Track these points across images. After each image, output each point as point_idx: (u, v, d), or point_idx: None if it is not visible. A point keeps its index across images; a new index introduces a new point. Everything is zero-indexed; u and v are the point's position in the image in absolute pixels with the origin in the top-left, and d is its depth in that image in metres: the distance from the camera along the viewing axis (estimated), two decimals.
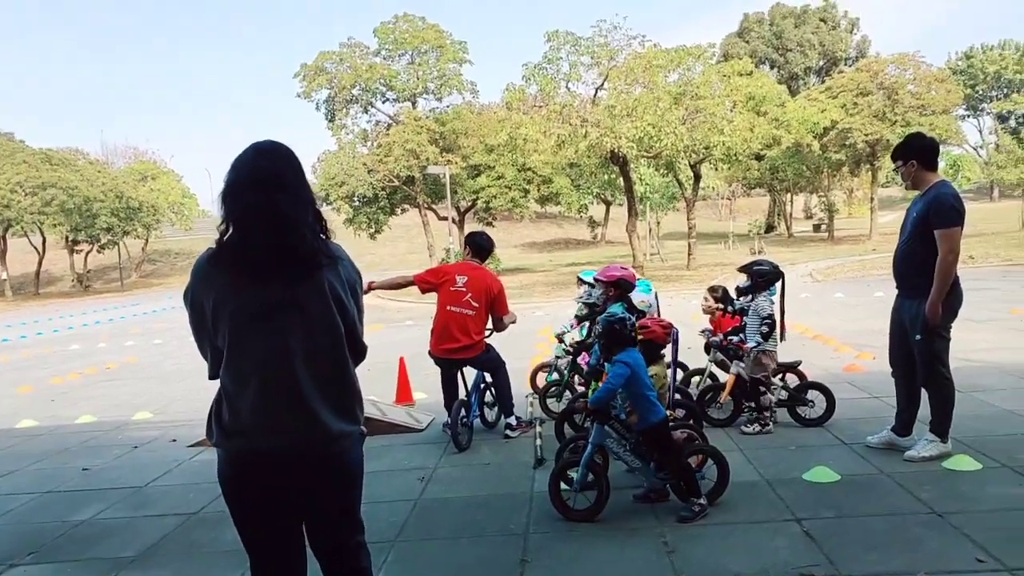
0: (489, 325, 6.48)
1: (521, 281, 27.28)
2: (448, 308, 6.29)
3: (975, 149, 72.82)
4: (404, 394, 8.11)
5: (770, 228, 52.57)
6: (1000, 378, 7.16)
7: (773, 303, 6.04)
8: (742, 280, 6.25)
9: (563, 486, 4.50)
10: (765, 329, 5.90)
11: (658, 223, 40.30)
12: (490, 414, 6.81)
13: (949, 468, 4.81)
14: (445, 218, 31.66)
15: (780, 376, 6.26)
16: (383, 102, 33.18)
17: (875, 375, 7.76)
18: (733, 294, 6.48)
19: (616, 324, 4.40)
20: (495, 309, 6.38)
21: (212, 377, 2.56)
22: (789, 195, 52.21)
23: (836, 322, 11.99)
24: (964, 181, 66.06)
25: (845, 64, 60.94)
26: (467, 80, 32.43)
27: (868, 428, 5.75)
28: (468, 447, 6.12)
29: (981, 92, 72.35)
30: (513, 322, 6.59)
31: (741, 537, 4.04)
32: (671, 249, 41.00)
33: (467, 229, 35.07)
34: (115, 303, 34.84)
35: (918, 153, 5.00)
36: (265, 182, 2.35)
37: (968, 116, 73.28)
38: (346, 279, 2.49)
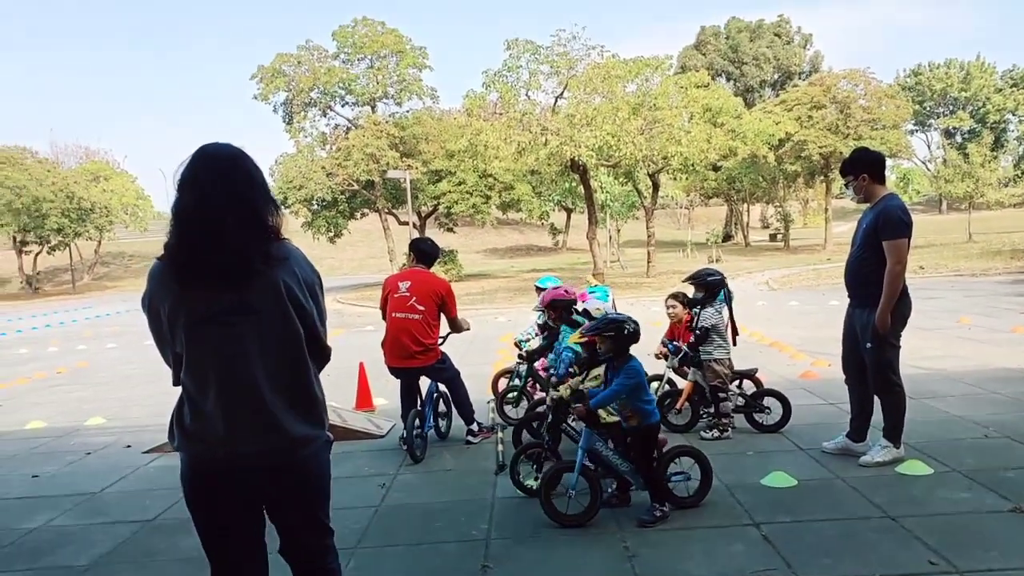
0: (444, 331, 6.43)
1: (483, 287, 27.28)
2: (394, 315, 6.17)
3: (924, 163, 75.05)
4: (364, 400, 8.05)
5: (727, 237, 53.43)
6: (951, 384, 7.37)
7: (719, 312, 6.13)
8: (690, 292, 6.34)
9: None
10: (692, 340, 6.02)
11: (618, 231, 40.67)
12: (443, 424, 6.72)
13: (902, 472, 4.94)
14: (406, 223, 31.52)
15: (737, 383, 6.36)
16: (342, 105, 32.95)
17: (831, 382, 7.92)
18: None
19: (614, 330, 4.40)
20: (445, 311, 6.25)
21: (176, 383, 2.52)
22: (746, 205, 53.13)
23: (791, 330, 12.22)
24: (913, 194, 67.95)
25: (799, 78, 62.38)
26: (427, 85, 32.39)
27: (824, 434, 5.86)
28: (423, 458, 6.01)
29: (928, 108, 74.64)
30: (467, 328, 6.53)
31: (700, 542, 4.09)
32: (631, 256, 41.40)
33: (428, 234, 34.99)
34: (66, 306, 33.96)
35: (868, 167, 5.13)
36: (204, 185, 2.33)
37: (916, 131, 75.59)
38: (303, 280, 2.45)
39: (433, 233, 37.03)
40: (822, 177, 41.80)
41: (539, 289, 7.67)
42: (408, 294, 6.16)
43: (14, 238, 43.92)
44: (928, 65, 76.13)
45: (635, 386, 4.35)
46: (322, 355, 2.58)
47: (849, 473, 5.03)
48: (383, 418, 7.50)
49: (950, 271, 21.98)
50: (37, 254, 46.80)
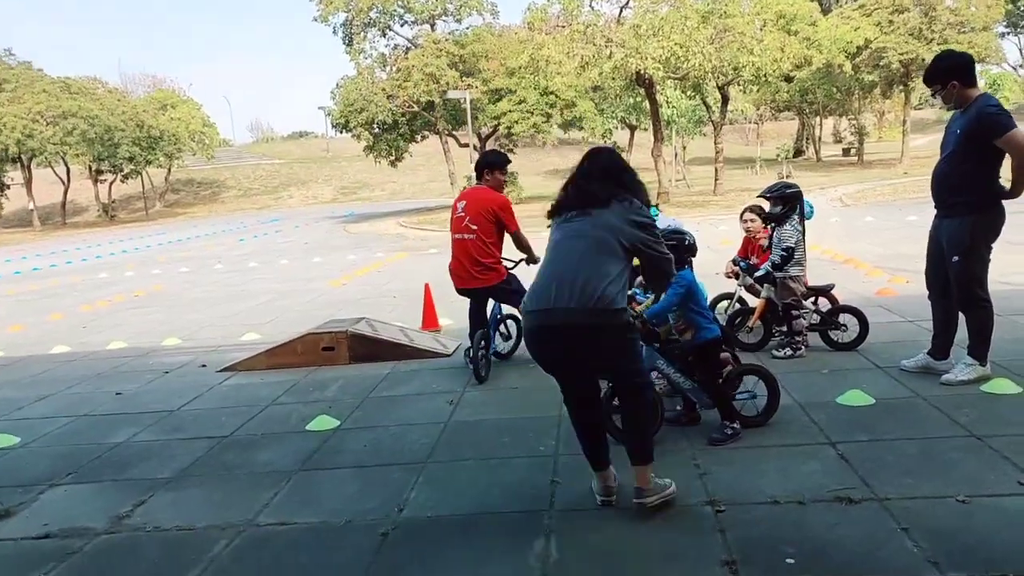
0: (521, 255, 6.33)
1: (542, 209, 26.98)
2: (454, 237, 6.14)
3: (1014, 68, 70.23)
4: (430, 320, 8.10)
5: (798, 152, 51.49)
6: None
7: (798, 228, 5.87)
8: (767, 206, 6.07)
9: None
10: (777, 260, 5.77)
11: (684, 148, 39.54)
12: (505, 346, 6.69)
13: (988, 392, 4.71)
14: (466, 145, 31.22)
15: (812, 300, 6.14)
16: (401, 25, 32.40)
17: (909, 299, 7.61)
18: None
19: (676, 240, 4.25)
20: (505, 228, 6.06)
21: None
22: (818, 118, 50.89)
23: (867, 246, 11.76)
24: (1003, 101, 63.70)
25: None
26: (487, 1, 31.44)
27: (903, 352, 5.64)
28: (487, 378, 6.00)
29: (1023, 8, 69.35)
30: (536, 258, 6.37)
31: (774, 461, 4.00)
32: (697, 175, 40.35)
33: None
34: (140, 232, 35.14)
35: (956, 73, 4.73)
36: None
37: (1008, 33, 70.42)
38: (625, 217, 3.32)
39: None
40: (901, 87, 39.54)
41: None
42: (463, 214, 6.07)
43: (89, 167, 45.32)
44: None
45: (685, 294, 4.20)
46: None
47: (931, 392, 4.82)
48: (449, 338, 7.55)
49: None
50: (111, 183, 48.28)
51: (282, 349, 7.03)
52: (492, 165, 6.17)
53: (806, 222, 5.95)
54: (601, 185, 3.37)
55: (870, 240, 12.57)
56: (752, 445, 4.22)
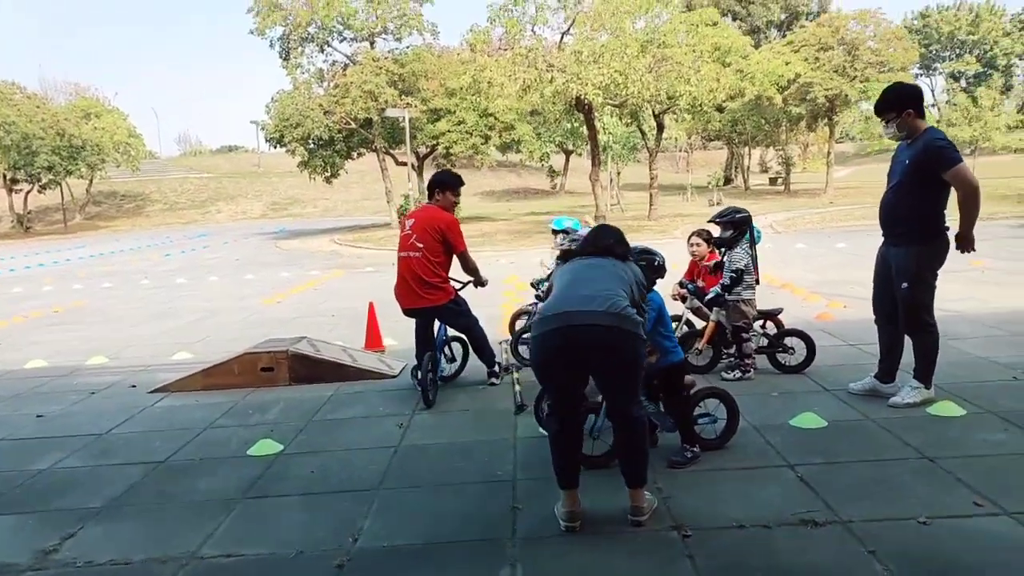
0: (466, 277, 6.21)
1: (482, 229, 26.98)
2: (399, 256, 5.98)
3: (926, 108, 73.97)
4: (374, 340, 7.89)
5: (727, 181, 52.93)
6: (972, 326, 7.23)
7: (748, 252, 5.94)
8: (717, 231, 6.14)
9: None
10: (727, 282, 5.83)
11: (618, 174, 40.17)
12: (450, 368, 6.52)
13: (934, 414, 4.81)
14: (404, 163, 31.00)
15: (760, 323, 6.21)
16: (340, 41, 32.00)
17: (848, 323, 7.81)
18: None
19: (646, 260, 4.21)
20: (451, 247, 5.92)
21: None
22: (747, 148, 52.48)
23: (801, 272, 12.05)
24: None
25: (806, 19, 60.91)
26: (428, 20, 31.43)
27: (848, 375, 5.75)
28: (435, 402, 5.81)
29: (934, 52, 73.34)
30: (483, 280, 6.25)
31: (735, 484, 3.97)
32: (630, 200, 40.99)
33: (427, 175, 34.43)
34: (59, 245, 33.62)
35: (911, 101, 4.88)
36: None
37: (920, 75, 74.33)
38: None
39: (431, 174, 36.55)
40: (826, 120, 41.16)
41: (555, 231, 7.48)
42: (411, 232, 5.94)
43: (4, 176, 43.21)
44: (936, 7, 74.59)
45: (656, 318, 4.17)
46: None
47: (879, 414, 4.90)
48: (394, 358, 7.35)
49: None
50: (28, 193, 46.10)
51: (218, 369, 6.72)
52: (444, 185, 6.05)
53: (756, 247, 6.03)
54: (619, 245, 3.79)
55: (803, 266, 12.90)
56: (712, 468, 4.19)
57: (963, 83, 70.69)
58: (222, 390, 6.51)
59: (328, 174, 32.77)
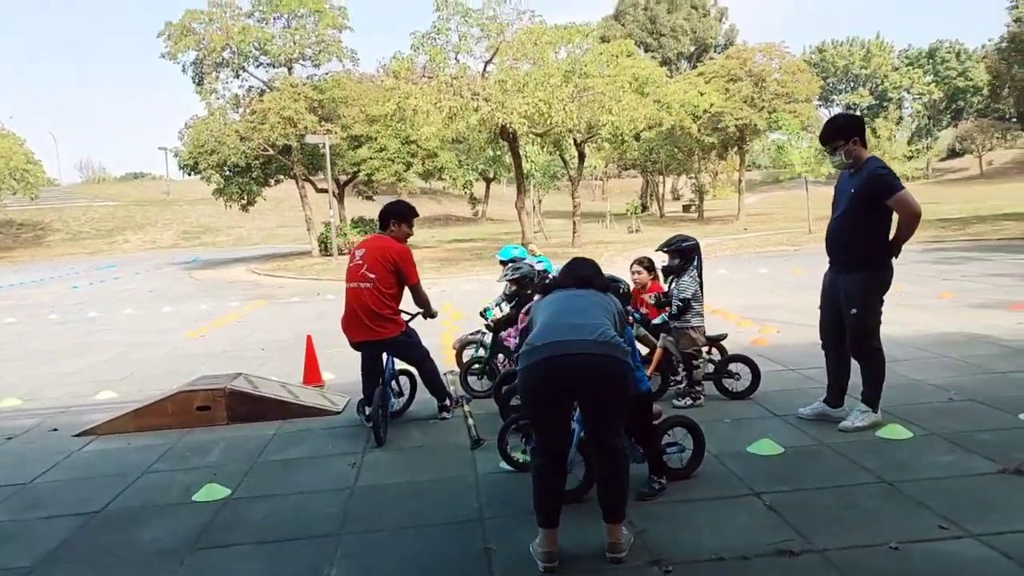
0: (416, 308, 6.07)
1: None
2: (348, 285, 5.80)
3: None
4: (313, 375, 7.62)
5: (643, 208, 54.19)
6: (901, 349, 7.52)
7: (695, 279, 6.03)
8: (666, 260, 6.22)
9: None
10: (675, 311, 5.91)
11: (540, 201, 40.60)
12: (398, 403, 6.31)
13: (884, 437, 4.95)
14: (324, 190, 30.49)
15: (707, 349, 6.29)
16: (256, 67, 31.34)
17: (784, 348, 8.02)
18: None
19: (617, 287, 4.19)
20: (404, 279, 5.80)
21: None
22: (661, 177, 53.97)
23: (729, 298, 12.35)
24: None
25: (715, 51, 63.47)
26: (347, 47, 31.14)
27: (794, 399, 5.87)
28: (386, 440, 5.62)
29: (831, 84, 77.53)
30: (433, 313, 6.15)
31: (705, 514, 3.96)
32: (551, 227, 41.43)
33: (347, 202, 33.99)
34: None
35: (857, 130, 5.06)
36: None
37: (820, 106, 78.43)
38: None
39: (352, 201, 36.03)
40: (736, 148, 42.80)
41: (503, 262, 7.44)
42: (361, 262, 5.78)
43: None
44: (831, 42, 79.00)
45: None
46: None
47: (832, 439, 5.00)
48: (335, 393, 7.11)
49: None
50: None
51: (150, 409, 6.35)
52: (400, 216, 5.94)
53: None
54: (598, 277, 3.84)
55: (730, 292, 13.22)
56: (680, 499, 4.17)
57: (858, 113, 74.93)
58: (155, 431, 6.15)
59: (244, 202, 31.91)
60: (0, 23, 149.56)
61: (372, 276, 5.66)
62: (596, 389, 3.41)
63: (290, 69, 31.33)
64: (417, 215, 6.19)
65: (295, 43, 30.12)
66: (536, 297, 4.21)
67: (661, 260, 6.46)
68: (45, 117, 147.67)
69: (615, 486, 3.54)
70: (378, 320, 5.68)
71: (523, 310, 6.23)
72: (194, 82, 30.56)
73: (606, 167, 50.60)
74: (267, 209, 47.58)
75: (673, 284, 6.06)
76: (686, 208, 53.22)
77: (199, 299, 17.84)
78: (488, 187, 53.92)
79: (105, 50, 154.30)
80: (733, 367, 6.17)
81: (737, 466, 4.62)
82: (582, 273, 3.82)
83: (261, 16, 30.02)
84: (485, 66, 22.06)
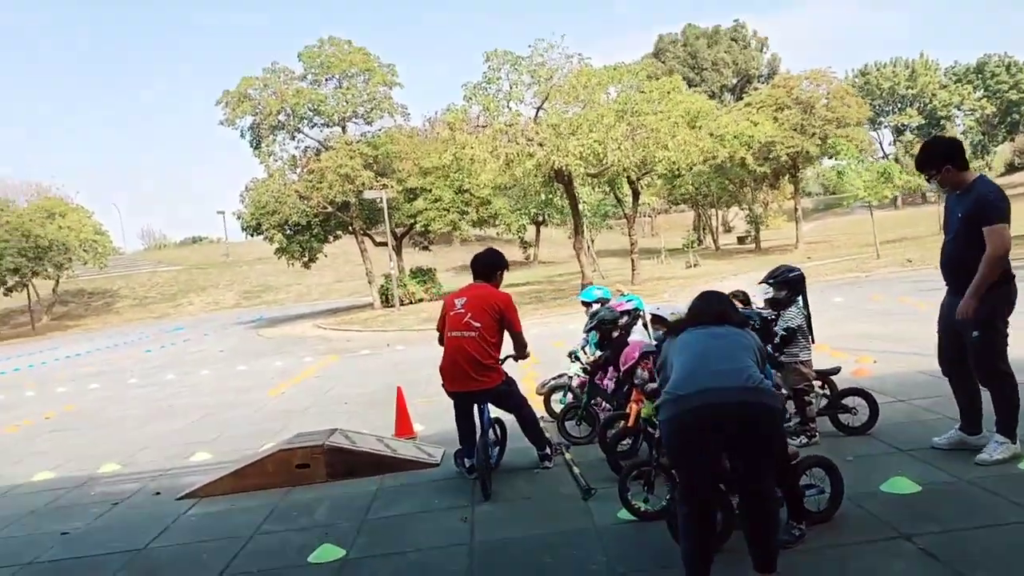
0: (508, 352, 5.97)
1: None
2: (450, 334, 5.70)
3: (876, 160, 76.58)
4: (404, 427, 7.55)
5: (698, 242, 53.69)
6: None
7: (802, 311, 5.85)
8: (769, 291, 6.02)
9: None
10: (777, 340, 5.70)
11: (592, 241, 40.51)
12: (492, 453, 6.09)
13: None
14: (382, 243, 30.93)
15: (819, 384, 6.04)
16: (311, 127, 32.24)
17: (887, 378, 7.69)
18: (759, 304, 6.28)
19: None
20: (507, 327, 5.73)
21: None
22: (714, 210, 53.48)
23: (815, 328, 11.96)
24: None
25: (759, 81, 63.20)
26: (397, 103, 31.87)
27: (914, 432, 5.61)
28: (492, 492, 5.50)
29: (878, 106, 76.35)
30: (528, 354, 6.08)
31: (857, 560, 3.73)
32: (606, 266, 41.26)
33: (404, 254, 34.40)
34: (29, 348, 32.68)
35: (948, 157, 4.90)
36: None
37: (869, 129, 77.20)
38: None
39: (408, 252, 36.47)
40: (789, 176, 42.25)
41: (585, 303, 7.36)
42: (463, 311, 5.70)
43: None
44: (875, 64, 77.97)
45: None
46: None
47: (970, 474, 4.70)
48: (428, 444, 7.02)
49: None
50: None
51: (250, 469, 6.34)
52: (504, 265, 5.98)
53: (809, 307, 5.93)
54: (734, 312, 3.74)
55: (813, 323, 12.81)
56: (822, 544, 3.94)
57: (908, 135, 73.42)
58: (255, 491, 6.12)
59: (306, 259, 32.54)
60: (59, 98, 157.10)
61: (477, 325, 5.59)
62: (751, 437, 3.28)
63: (344, 128, 32.11)
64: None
65: (347, 102, 30.89)
66: (663, 336, 4.09)
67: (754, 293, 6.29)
68: (108, 188, 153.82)
69: (768, 534, 3.35)
70: (481, 370, 5.60)
71: (624, 356, 6.10)
72: (252, 146, 31.50)
73: (657, 204, 50.39)
74: (323, 265, 48.52)
75: (779, 317, 5.86)
76: (741, 240, 52.50)
77: (271, 356, 18.08)
78: (538, 231, 54.15)
79: (157, 121, 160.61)
80: (848, 401, 5.91)
81: (875, 506, 4.37)
82: (715, 308, 3.69)
83: (313, 78, 30.92)
84: (537, 111, 22.26)
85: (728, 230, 62.92)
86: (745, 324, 3.68)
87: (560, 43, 21.51)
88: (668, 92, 22.25)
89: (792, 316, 5.75)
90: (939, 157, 4.90)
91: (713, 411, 3.22)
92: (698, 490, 3.36)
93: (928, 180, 5.09)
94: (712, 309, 3.68)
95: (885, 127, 78.09)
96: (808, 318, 5.85)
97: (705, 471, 3.38)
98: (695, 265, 36.55)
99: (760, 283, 6.05)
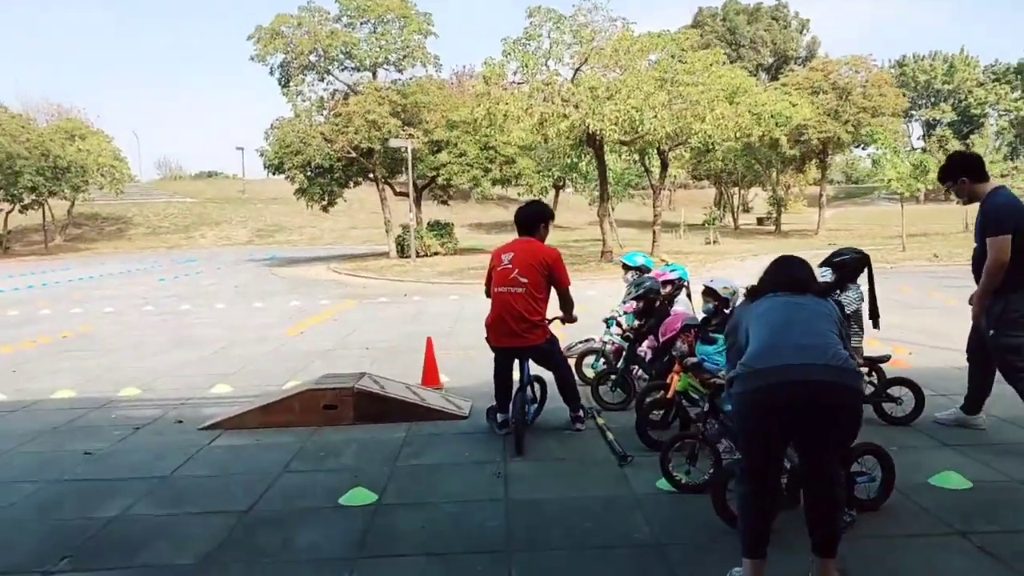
0: (555, 312, 5.82)
1: (482, 261, 26.61)
2: (497, 290, 5.56)
3: (911, 150, 75.47)
4: (432, 377, 7.45)
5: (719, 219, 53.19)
6: None
7: (861, 296, 5.71)
8: (827, 275, 5.84)
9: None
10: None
11: (613, 210, 40.15)
12: (529, 410, 6.05)
13: None
14: (403, 194, 30.69)
15: (867, 371, 5.89)
16: (341, 70, 31.76)
17: (924, 371, 7.51)
18: None
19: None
20: (555, 284, 5.61)
21: None
22: (736, 188, 52.90)
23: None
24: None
25: (795, 63, 62.03)
26: (431, 53, 31.34)
27: (961, 429, 5.49)
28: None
29: (911, 99, 74.98)
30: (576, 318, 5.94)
31: (912, 554, 3.61)
32: (623, 236, 40.93)
33: (423, 206, 34.14)
34: (42, 267, 32.73)
35: (964, 170, 5.18)
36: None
37: (902, 121, 75.94)
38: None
39: (427, 205, 36.17)
40: (817, 161, 41.65)
41: (626, 267, 7.21)
42: (511, 266, 5.54)
43: None
44: (913, 56, 76.42)
45: None
46: None
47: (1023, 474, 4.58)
48: (456, 396, 6.92)
49: (966, 260, 21.83)
50: (8, 213, 45.14)
51: (277, 406, 6.26)
52: (550, 217, 5.80)
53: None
54: (815, 281, 3.51)
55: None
56: (875, 534, 3.82)
57: (938, 130, 72.18)
58: (280, 428, 6.05)
59: (325, 202, 32.33)
60: (86, 27, 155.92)
61: (525, 281, 5.44)
62: (830, 420, 3.09)
63: (375, 73, 31.65)
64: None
65: (381, 48, 30.37)
66: (740, 300, 3.89)
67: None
68: (128, 115, 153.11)
69: (832, 517, 3.21)
70: (528, 326, 5.46)
71: (665, 327, 5.96)
72: (280, 84, 31.07)
73: (682, 177, 49.80)
74: (339, 211, 48.30)
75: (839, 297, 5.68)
76: (760, 221, 51.93)
77: (287, 295, 18.01)
78: (557, 195, 53.66)
79: (185, 52, 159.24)
80: (894, 390, 5.76)
81: (924, 500, 4.24)
82: (798, 275, 3.44)
83: (348, 21, 30.37)
84: (575, 72, 21.80)
85: (747, 210, 62.29)
86: (827, 293, 3.48)
87: (606, 4, 21.02)
88: (710, 64, 21.74)
89: (850, 300, 5.59)
90: (957, 169, 5.24)
91: (795, 389, 3.04)
92: (761, 468, 3.21)
93: (947, 190, 5.48)
94: (793, 275, 3.44)
95: (916, 120, 76.83)
96: (873, 300, 5.72)
97: (778, 450, 3.24)
98: (715, 242, 36.24)
99: (821, 264, 5.85)
